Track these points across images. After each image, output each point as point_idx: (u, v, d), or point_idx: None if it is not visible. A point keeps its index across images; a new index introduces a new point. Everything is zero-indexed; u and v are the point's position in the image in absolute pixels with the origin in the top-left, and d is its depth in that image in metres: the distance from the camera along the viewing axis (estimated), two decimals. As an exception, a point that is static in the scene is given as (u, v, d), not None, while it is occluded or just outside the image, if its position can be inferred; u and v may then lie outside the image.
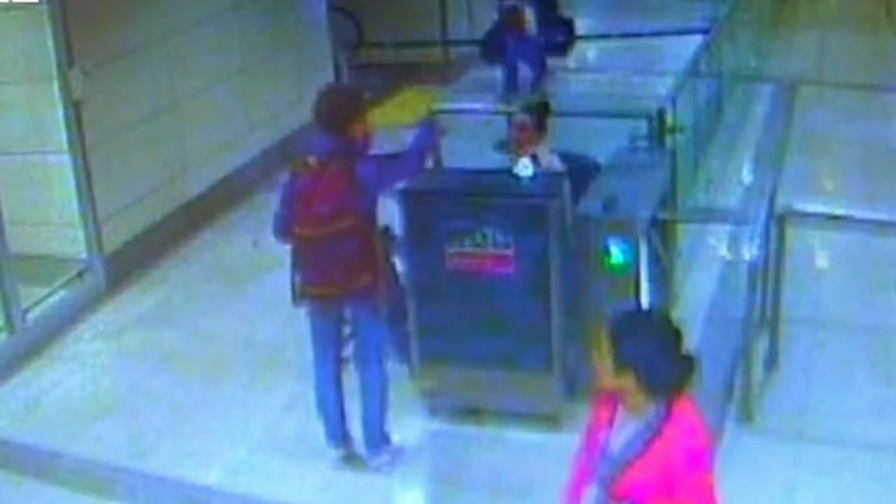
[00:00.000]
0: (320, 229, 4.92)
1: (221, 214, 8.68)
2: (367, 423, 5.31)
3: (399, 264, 5.56)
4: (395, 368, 6.13)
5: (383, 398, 5.29)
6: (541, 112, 6.05)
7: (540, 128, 6.01)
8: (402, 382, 5.98)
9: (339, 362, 5.34)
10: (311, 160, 4.95)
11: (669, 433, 3.13)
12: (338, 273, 4.99)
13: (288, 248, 7.51)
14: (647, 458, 3.12)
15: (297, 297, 5.18)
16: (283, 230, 5.13)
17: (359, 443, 5.39)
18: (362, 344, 5.26)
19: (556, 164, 5.97)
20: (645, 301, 6.12)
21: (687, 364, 3.21)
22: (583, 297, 5.52)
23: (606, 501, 3.23)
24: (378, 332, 5.25)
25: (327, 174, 4.90)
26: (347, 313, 5.22)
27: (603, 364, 3.17)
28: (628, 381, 3.14)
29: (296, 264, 5.13)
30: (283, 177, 5.27)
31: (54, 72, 7.06)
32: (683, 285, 6.84)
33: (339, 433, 5.38)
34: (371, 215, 5.01)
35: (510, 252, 5.30)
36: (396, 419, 5.78)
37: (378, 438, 5.33)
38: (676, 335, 3.21)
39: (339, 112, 4.96)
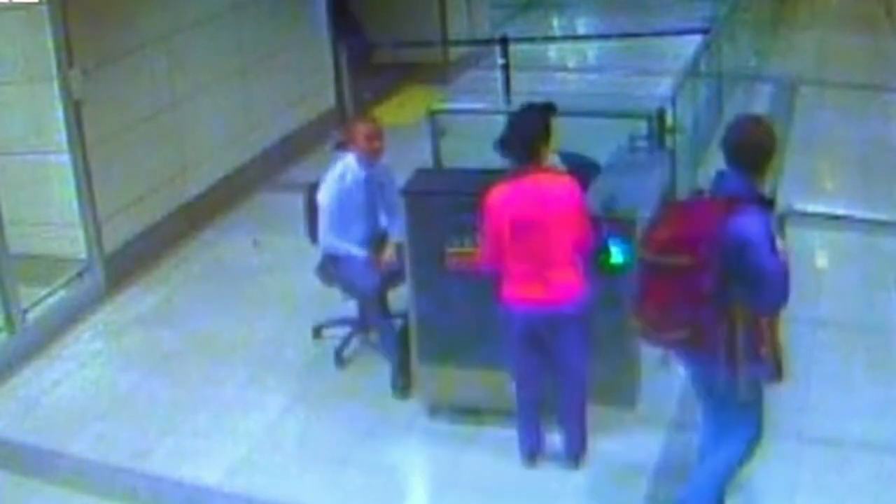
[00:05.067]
0: None
1: (221, 214, 8.68)
2: None
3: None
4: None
5: None
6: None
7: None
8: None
9: None
10: None
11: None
12: None
13: (285, 248, 7.56)
14: None
15: None
16: None
17: None
18: None
19: (560, 166, 5.95)
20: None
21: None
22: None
23: None
24: None
25: None
26: None
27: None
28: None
29: None
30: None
31: (54, 72, 7.05)
32: (683, 285, 6.83)
33: None
34: None
35: (510, 252, 5.29)
36: (396, 419, 5.79)
37: None
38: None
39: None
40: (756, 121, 4.50)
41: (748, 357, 4.26)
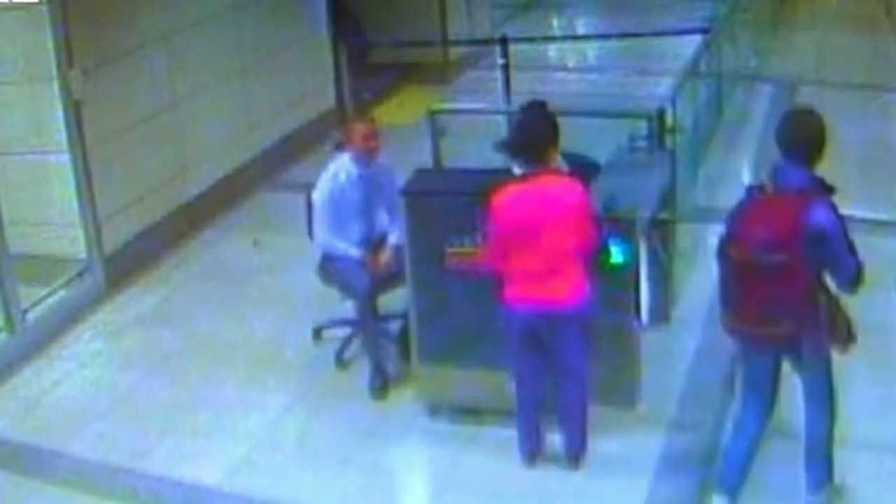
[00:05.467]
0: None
1: (221, 214, 8.68)
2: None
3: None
4: (390, 364, 6.15)
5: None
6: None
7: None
8: (401, 382, 6.00)
9: None
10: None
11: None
12: None
13: (285, 248, 7.57)
14: None
15: None
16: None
17: None
18: None
19: (563, 166, 5.95)
20: (645, 301, 6.13)
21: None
22: (582, 297, 5.52)
23: None
24: None
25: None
26: None
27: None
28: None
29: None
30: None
31: (54, 72, 7.05)
32: (683, 285, 6.84)
33: None
34: None
35: (510, 252, 5.29)
36: (396, 419, 5.79)
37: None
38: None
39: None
40: (810, 114, 4.76)
41: (827, 323, 4.53)
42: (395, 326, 6.23)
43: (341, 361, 6.31)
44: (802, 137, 4.56)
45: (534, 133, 5.03)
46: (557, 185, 4.96)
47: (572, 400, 5.23)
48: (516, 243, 4.93)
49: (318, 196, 6.08)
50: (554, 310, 4.98)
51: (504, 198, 4.94)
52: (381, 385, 5.97)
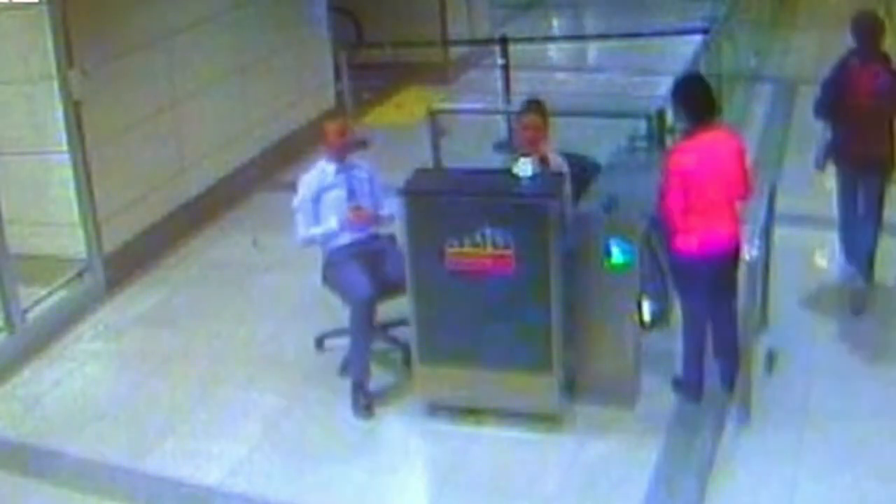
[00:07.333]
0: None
1: (221, 214, 8.68)
2: None
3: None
4: (395, 369, 6.15)
5: None
6: (541, 110, 6.01)
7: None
8: (402, 382, 6.00)
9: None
10: None
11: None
12: None
13: (285, 248, 7.58)
14: None
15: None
16: None
17: None
18: None
19: (566, 166, 5.96)
20: (645, 301, 6.13)
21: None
22: (583, 296, 5.53)
23: None
24: None
25: None
26: None
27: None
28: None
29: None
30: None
31: (54, 72, 7.06)
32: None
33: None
34: None
35: (510, 252, 5.30)
36: (396, 419, 5.79)
37: None
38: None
39: None
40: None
41: None
42: (401, 333, 6.11)
43: (345, 371, 6.15)
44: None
45: (708, 94, 5.63)
46: (725, 138, 5.56)
47: (733, 333, 5.63)
48: (698, 190, 5.38)
49: (295, 202, 6.21)
50: (729, 247, 5.51)
51: (682, 152, 5.49)
52: (366, 405, 5.83)
